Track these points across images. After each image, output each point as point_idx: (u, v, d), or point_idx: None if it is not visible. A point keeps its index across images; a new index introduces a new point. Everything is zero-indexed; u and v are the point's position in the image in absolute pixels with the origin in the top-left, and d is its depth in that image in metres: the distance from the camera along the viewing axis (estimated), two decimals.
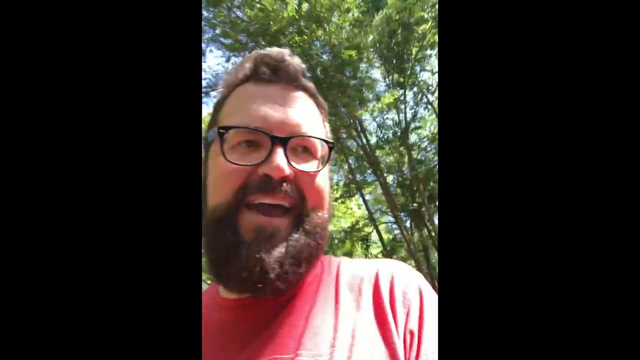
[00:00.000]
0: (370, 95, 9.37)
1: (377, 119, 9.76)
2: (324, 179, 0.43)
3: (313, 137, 0.42)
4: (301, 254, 0.38)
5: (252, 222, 0.38)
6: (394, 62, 8.55)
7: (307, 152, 0.43)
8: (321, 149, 0.44)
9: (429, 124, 10.97)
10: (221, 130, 0.39)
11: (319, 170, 0.41)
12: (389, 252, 9.10)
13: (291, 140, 0.40)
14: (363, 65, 9.18)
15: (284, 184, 0.39)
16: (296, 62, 0.44)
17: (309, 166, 0.42)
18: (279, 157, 0.38)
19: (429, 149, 10.48)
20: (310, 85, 0.46)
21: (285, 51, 0.45)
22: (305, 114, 0.43)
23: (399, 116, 9.53)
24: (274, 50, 0.44)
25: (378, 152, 9.57)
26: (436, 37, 9.05)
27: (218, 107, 0.46)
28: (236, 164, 0.38)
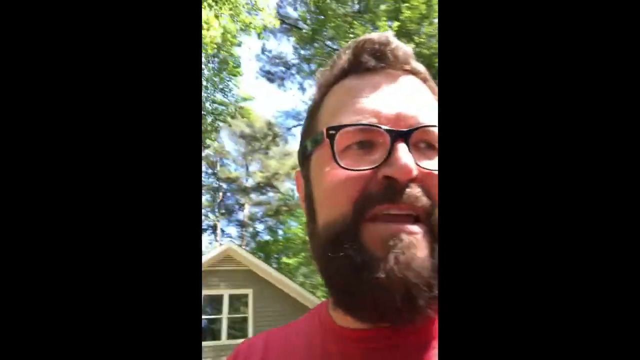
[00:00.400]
0: None
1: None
2: None
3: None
4: None
5: (381, 233, 0.31)
6: None
7: (430, 147, 0.35)
8: None
9: None
10: (331, 132, 0.32)
11: None
12: None
13: (413, 134, 0.32)
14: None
15: (412, 187, 0.31)
16: (403, 44, 0.38)
17: (436, 164, 0.34)
18: (404, 154, 0.31)
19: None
20: (422, 68, 0.39)
21: (389, 33, 0.38)
22: (422, 102, 0.36)
23: None
24: (375, 35, 0.38)
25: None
26: None
27: (313, 112, 0.39)
28: (352, 169, 0.32)
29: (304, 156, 0.39)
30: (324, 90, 0.39)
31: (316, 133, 0.36)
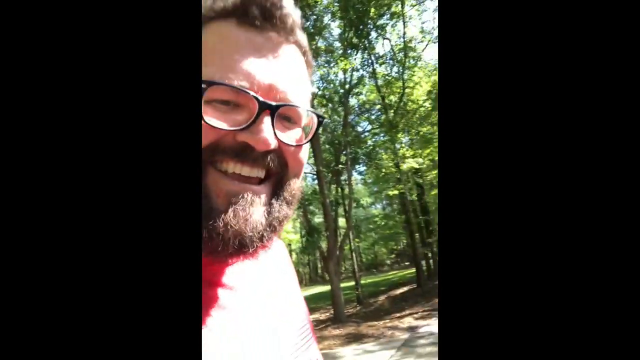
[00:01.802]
0: (322, 46, 9.71)
1: (323, 72, 10.09)
2: (305, 149, 0.39)
3: (306, 110, 0.37)
4: (280, 223, 0.36)
5: (228, 188, 0.34)
6: (354, 19, 8.90)
7: (291, 121, 0.37)
8: (306, 118, 0.38)
9: (367, 92, 11.38)
10: (203, 86, 0.32)
11: (304, 143, 0.38)
12: (305, 203, 9.29)
13: (280, 109, 0.34)
14: (326, 18, 9.53)
15: (267, 156, 0.34)
16: (294, 10, 0.37)
17: (293, 135, 0.37)
18: (267, 127, 0.33)
19: (363, 115, 10.86)
20: (304, 39, 0.39)
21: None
22: (296, 77, 0.37)
23: (344, 76, 9.88)
24: None
25: (318, 107, 9.86)
26: (399, 9, 9.55)
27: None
28: (209, 124, 0.32)
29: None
30: (203, 21, 0.35)
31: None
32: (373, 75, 10.51)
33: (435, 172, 12.84)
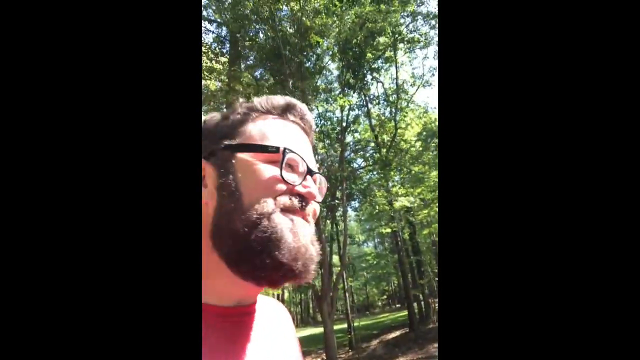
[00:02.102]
0: (322, 85, 10.09)
1: (321, 110, 10.40)
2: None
3: (320, 176, 0.52)
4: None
5: (289, 224, 0.43)
6: (351, 61, 9.36)
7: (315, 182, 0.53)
8: (321, 181, 0.55)
9: (362, 131, 11.68)
10: (287, 152, 0.45)
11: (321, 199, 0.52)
12: None
13: (314, 174, 0.49)
14: (327, 57, 10.01)
15: (311, 203, 0.47)
16: (310, 116, 0.54)
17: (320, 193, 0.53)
18: (312, 184, 0.47)
19: (358, 152, 11.05)
20: (314, 128, 0.57)
21: (306, 107, 0.54)
22: (312, 153, 0.53)
23: (342, 114, 10.18)
24: (302, 105, 0.54)
25: (317, 143, 10.02)
26: (392, 54, 10.13)
27: (237, 123, 0.49)
28: (284, 180, 0.44)
29: (224, 150, 0.46)
30: (254, 113, 0.49)
31: (263, 146, 0.45)
32: (367, 115, 10.88)
33: (426, 211, 12.92)
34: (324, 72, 9.99)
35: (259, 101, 0.51)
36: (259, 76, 9.26)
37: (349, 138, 11.07)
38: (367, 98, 10.70)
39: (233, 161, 0.45)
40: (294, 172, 0.46)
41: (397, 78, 10.77)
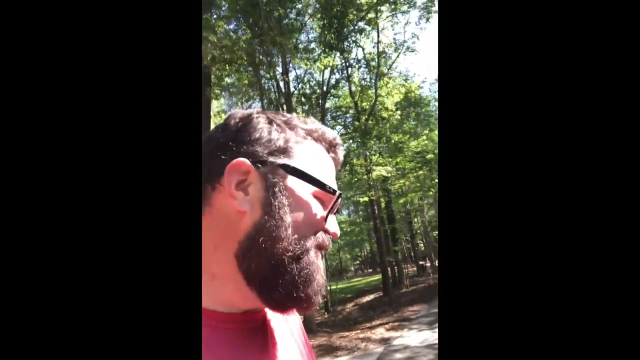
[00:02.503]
0: (301, 44, 9.47)
1: (299, 70, 9.85)
2: None
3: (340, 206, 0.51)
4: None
5: (316, 260, 0.44)
6: (334, 21, 8.76)
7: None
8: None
9: (343, 97, 11.33)
10: (329, 189, 0.45)
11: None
12: None
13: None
14: (307, 16, 9.32)
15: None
16: (341, 148, 0.53)
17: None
18: (336, 223, 0.47)
19: (338, 119, 10.74)
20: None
21: (340, 140, 0.53)
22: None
23: (322, 77, 9.70)
24: (334, 134, 0.52)
25: (297, 106, 9.55)
26: (374, 15, 9.60)
27: (299, 139, 0.47)
28: (322, 215, 0.44)
29: (279, 167, 0.44)
30: (307, 135, 0.48)
31: (323, 184, 0.44)
32: (348, 80, 10.44)
33: (402, 181, 13.03)
34: (304, 30, 9.32)
35: (313, 127, 0.50)
36: (234, 28, 8.49)
37: (328, 104, 10.63)
38: (347, 63, 10.20)
39: (286, 182, 0.43)
40: (321, 203, 0.47)
41: (378, 42, 10.28)
